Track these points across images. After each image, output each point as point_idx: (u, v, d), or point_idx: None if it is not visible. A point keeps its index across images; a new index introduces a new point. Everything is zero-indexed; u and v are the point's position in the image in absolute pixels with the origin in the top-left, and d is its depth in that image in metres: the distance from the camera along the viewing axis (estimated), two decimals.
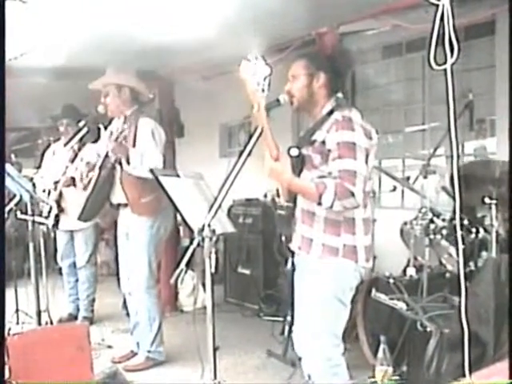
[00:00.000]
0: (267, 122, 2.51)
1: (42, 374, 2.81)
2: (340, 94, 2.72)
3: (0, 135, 2.52)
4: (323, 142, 2.55)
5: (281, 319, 4.79)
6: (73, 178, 4.83)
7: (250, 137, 2.51)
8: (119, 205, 4.20)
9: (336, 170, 2.45)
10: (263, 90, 2.25)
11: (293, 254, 2.80)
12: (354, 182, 2.40)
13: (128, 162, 3.89)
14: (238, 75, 2.40)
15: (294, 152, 2.58)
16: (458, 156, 3.18)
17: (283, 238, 2.85)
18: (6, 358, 2.79)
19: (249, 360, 4.33)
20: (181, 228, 6.28)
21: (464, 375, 1.95)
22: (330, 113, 2.62)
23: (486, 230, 3.69)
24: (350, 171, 2.42)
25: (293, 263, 2.85)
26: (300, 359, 2.76)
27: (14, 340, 2.83)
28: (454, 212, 3.79)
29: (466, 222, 3.70)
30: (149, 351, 4.18)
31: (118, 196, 4.15)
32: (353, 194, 2.39)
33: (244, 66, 2.23)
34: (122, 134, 3.88)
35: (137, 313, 4.22)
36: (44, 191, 5.15)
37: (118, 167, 4.06)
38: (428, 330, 3.18)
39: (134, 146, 3.98)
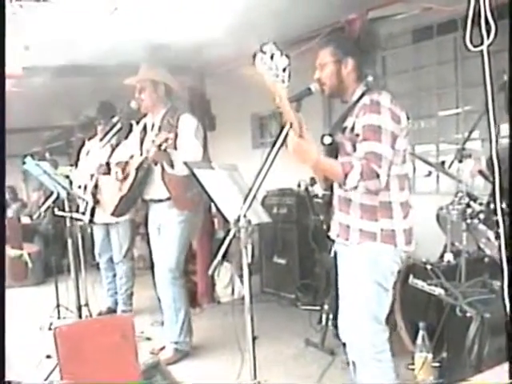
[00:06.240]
0: (292, 108, 2.45)
1: (89, 362, 2.89)
2: (370, 78, 2.68)
3: (0, 135, 2.55)
4: (353, 128, 2.54)
5: (318, 308, 4.80)
6: (108, 164, 4.73)
7: (282, 127, 2.49)
8: (151, 200, 4.24)
9: (362, 152, 2.43)
10: (283, 81, 2.22)
11: (333, 242, 2.79)
12: (379, 164, 2.38)
13: (171, 166, 3.88)
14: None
15: (327, 140, 2.54)
16: (497, 139, 3.12)
17: (324, 227, 2.84)
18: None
19: (287, 349, 4.35)
20: (215, 220, 6.32)
21: (506, 360, 1.92)
22: (361, 97, 2.59)
23: None
24: (377, 153, 2.39)
25: (335, 251, 2.85)
26: (344, 345, 2.75)
27: (63, 330, 2.90)
28: (491, 196, 3.76)
29: (504, 205, 3.63)
30: (176, 342, 4.20)
31: (153, 193, 4.17)
32: (378, 176, 2.36)
33: (259, 59, 2.20)
34: (164, 141, 3.69)
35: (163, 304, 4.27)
36: (80, 187, 5.21)
37: (156, 166, 4.05)
38: (468, 315, 3.15)
39: (175, 143, 3.93)
